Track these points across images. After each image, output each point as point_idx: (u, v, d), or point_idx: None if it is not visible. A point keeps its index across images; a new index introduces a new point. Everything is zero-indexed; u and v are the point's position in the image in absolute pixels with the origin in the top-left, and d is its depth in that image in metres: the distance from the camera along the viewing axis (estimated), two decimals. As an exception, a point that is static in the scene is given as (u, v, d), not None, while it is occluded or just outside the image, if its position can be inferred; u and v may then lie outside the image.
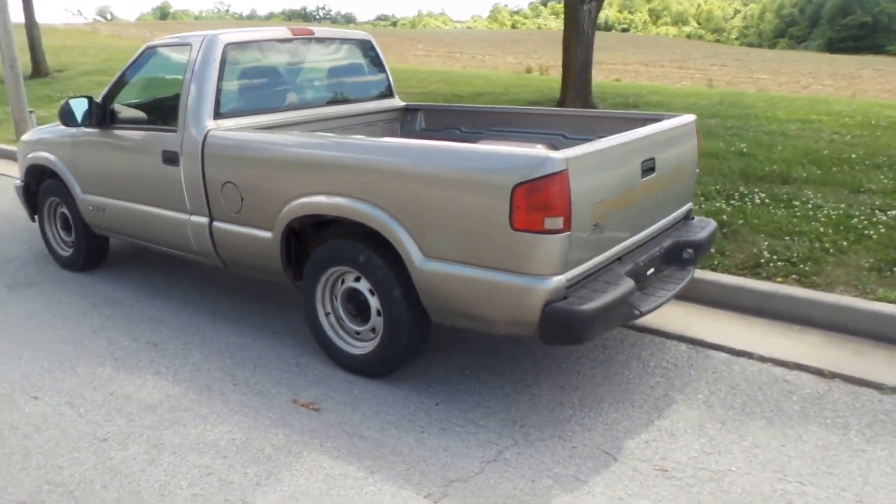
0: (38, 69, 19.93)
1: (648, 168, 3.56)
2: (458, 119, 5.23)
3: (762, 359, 3.87)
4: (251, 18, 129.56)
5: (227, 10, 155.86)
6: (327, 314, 3.84)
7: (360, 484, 2.85)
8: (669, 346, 4.08)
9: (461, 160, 3.20)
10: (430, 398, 3.53)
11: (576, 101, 10.75)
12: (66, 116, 4.78)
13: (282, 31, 4.76)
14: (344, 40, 5.21)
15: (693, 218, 4.33)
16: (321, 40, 5.04)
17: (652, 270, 3.69)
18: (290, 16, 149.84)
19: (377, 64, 5.32)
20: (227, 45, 4.22)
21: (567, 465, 2.96)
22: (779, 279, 4.59)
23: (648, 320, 4.21)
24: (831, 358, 3.83)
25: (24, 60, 21.17)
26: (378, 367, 3.68)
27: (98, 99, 4.79)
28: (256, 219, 3.93)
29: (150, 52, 4.75)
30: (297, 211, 3.69)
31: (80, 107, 4.78)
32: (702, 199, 6.14)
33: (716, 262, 4.85)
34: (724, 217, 5.57)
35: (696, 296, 4.67)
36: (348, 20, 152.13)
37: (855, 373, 3.66)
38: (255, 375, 3.78)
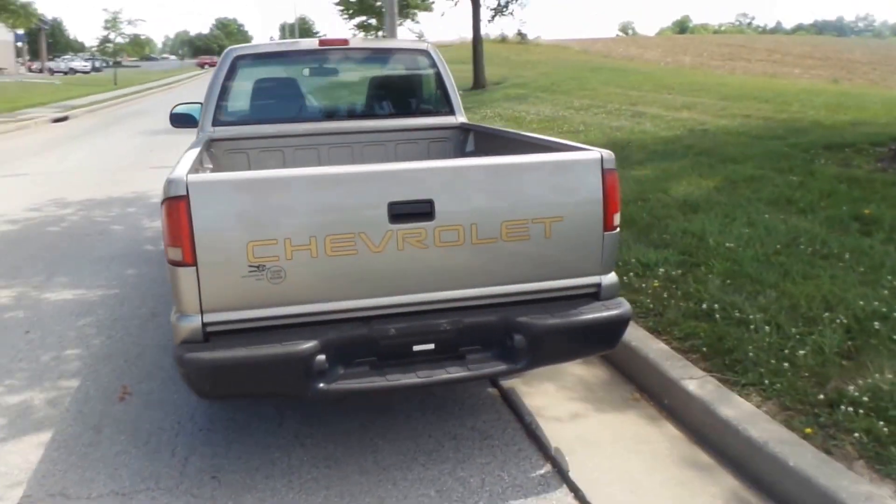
0: (477, 81, 22.78)
1: (417, 213, 2.61)
2: (500, 144, 4.49)
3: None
4: (774, 32, 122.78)
5: (749, 23, 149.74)
6: None
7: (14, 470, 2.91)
8: (522, 456, 2.91)
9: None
10: (212, 424, 3.25)
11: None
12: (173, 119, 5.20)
13: (307, 43, 4.77)
14: (393, 51, 4.92)
15: (602, 298, 2.95)
16: (360, 51, 4.86)
17: (430, 347, 2.71)
18: (821, 28, 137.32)
19: (433, 78, 4.84)
20: (235, 58, 4.48)
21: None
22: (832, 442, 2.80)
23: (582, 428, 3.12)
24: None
25: (466, 74, 24.69)
26: None
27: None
28: None
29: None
30: None
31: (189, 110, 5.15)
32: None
33: (777, 386, 3.16)
34: (877, 325, 3.57)
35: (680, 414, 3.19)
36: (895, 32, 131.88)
37: None
38: (161, 359, 3.97)
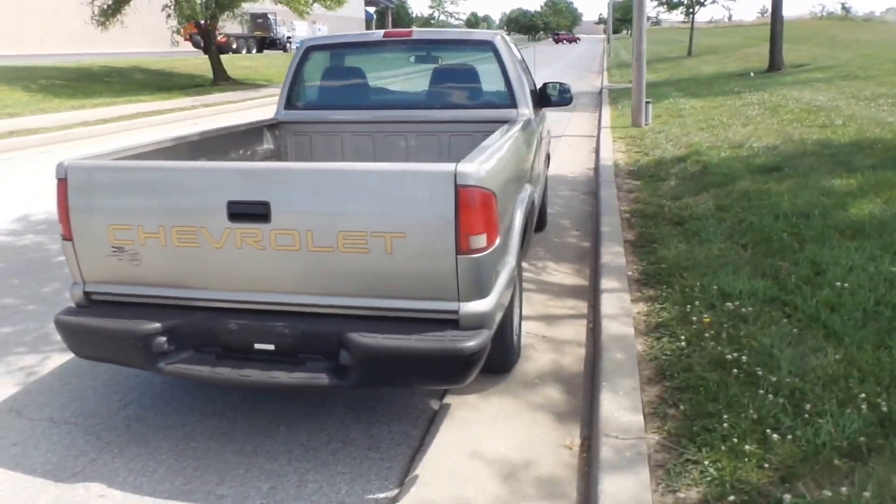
0: (773, 63, 20.42)
1: (254, 214, 2.59)
2: None
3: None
4: None
5: None
6: None
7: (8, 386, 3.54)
8: (384, 475, 2.73)
9: None
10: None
11: None
12: None
13: (373, 35, 4.88)
14: (456, 42, 4.86)
15: (462, 327, 2.63)
16: (424, 43, 4.85)
17: (270, 347, 2.69)
18: None
19: (496, 70, 4.60)
20: (308, 48, 4.80)
21: None
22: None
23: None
24: None
25: (762, 55, 21.99)
26: None
27: None
28: None
29: None
30: None
31: None
32: None
33: (716, 472, 2.57)
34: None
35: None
36: None
37: None
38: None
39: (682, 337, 3.62)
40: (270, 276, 2.68)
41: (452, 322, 2.64)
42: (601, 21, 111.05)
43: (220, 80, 23.76)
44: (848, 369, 3.10)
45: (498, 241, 2.73)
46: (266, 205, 2.58)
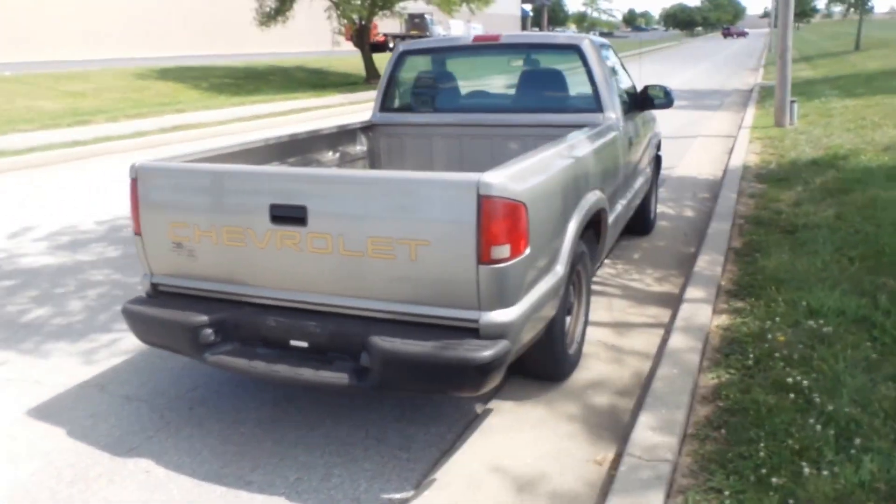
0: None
1: (292, 217, 2.72)
2: None
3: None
4: None
5: None
6: None
7: (102, 365, 3.93)
8: (405, 476, 2.78)
9: None
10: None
11: None
12: None
13: (464, 39, 4.90)
14: (544, 46, 4.81)
15: (482, 336, 2.61)
16: (512, 47, 4.87)
17: (304, 344, 2.82)
18: None
19: (582, 74, 4.49)
20: (402, 52, 4.94)
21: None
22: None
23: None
24: None
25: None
26: None
27: None
28: None
29: None
30: None
31: None
32: None
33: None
34: None
35: None
36: None
37: None
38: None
39: (752, 355, 3.39)
40: (306, 276, 2.83)
41: (473, 331, 2.65)
42: (766, 15, 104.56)
43: (372, 78, 24.48)
44: (921, 403, 2.78)
45: (528, 251, 2.70)
46: (303, 209, 2.72)
